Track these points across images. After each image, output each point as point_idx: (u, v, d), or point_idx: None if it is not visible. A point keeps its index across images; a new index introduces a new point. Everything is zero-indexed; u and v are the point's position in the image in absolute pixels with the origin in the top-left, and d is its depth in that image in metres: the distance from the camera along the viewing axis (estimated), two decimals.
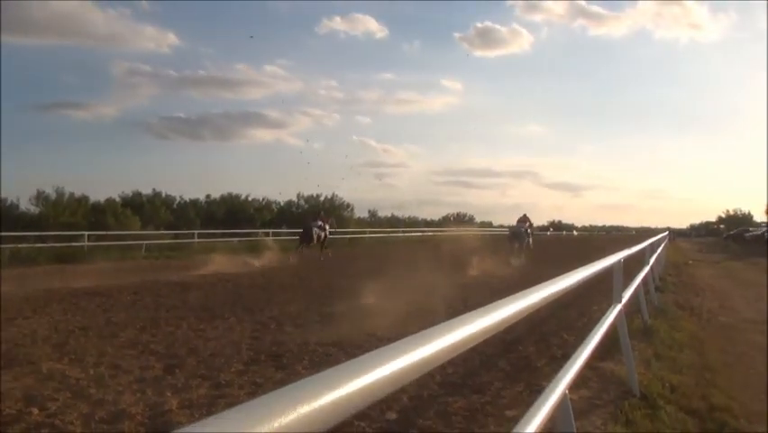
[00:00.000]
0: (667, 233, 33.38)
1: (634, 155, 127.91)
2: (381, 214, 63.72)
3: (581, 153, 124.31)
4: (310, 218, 25.95)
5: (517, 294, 2.18)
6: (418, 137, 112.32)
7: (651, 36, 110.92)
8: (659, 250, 16.25)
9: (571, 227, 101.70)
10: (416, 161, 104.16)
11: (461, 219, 76.90)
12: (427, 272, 15.29)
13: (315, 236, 23.98)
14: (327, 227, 24.93)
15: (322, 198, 54.44)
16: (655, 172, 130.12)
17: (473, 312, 1.64)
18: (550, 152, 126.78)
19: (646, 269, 10.10)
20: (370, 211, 69.13)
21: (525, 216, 24.60)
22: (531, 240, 23.89)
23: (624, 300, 5.29)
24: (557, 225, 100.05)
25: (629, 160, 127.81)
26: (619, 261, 4.95)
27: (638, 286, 7.93)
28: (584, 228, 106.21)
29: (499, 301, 1.91)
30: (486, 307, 1.75)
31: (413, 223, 61.05)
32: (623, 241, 26.29)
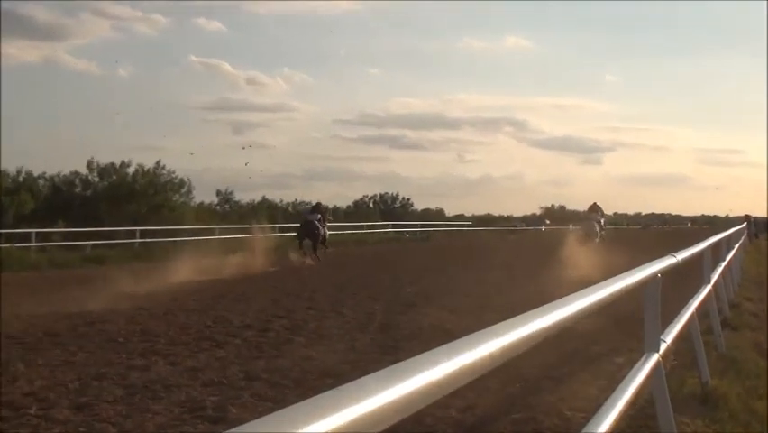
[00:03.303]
0: (744, 225, 34.88)
1: (688, 91, 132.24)
2: (242, 198, 63.30)
3: (598, 87, 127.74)
4: (308, 211, 36.06)
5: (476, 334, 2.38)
6: (310, 58, 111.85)
7: None
8: (729, 256, 16.88)
9: (581, 218, 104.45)
10: (306, 102, 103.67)
11: (386, 204, 77.51)
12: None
13: (319, 231, 33.41)
14: (323, 220, 34.50)
15: (131, 169, 53.48)
16: (726, 120, 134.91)
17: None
18: (543, 85, 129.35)
19: (706, 290, 10.45)
20: (220, 193, 68.59)
21: (595, 204, 33.74)
22: (603, 233, 32.62)
23: (664, 346, 5.46)
24: (556, 215, 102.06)
25: (680, 99, 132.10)
26: (655, 277, 5.07)
27: (690, 319, 8.19)
28: (608, 217, 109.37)
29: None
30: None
31: (294, 216, 60.76)
32: (663, 242, 27.18)
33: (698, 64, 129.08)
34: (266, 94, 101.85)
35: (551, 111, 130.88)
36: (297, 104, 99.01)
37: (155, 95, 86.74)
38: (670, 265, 6.30)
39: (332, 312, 16.58)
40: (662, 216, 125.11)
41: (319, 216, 34.39)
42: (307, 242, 33.23)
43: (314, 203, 37.13)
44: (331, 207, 67.49)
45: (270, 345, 12.62)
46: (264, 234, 36.14)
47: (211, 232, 42.94)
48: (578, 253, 28.98)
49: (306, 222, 34.04)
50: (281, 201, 74.84)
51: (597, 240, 31.40)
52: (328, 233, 35.75)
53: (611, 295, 4.08)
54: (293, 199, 70.78)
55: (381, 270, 28.78)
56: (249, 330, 14.14)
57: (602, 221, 33.22)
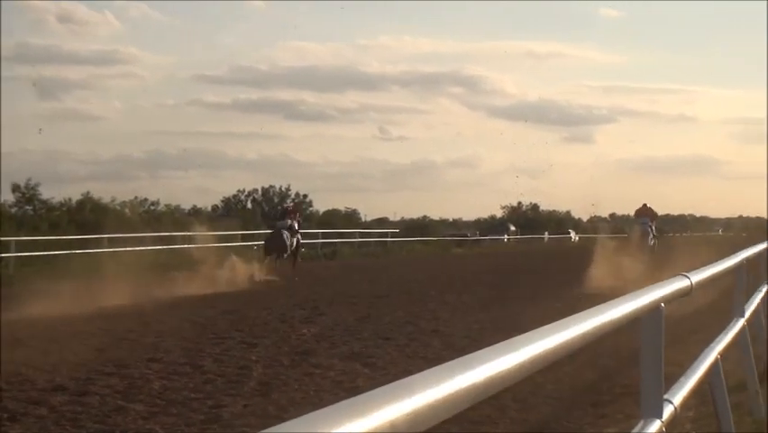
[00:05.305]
0: None
1: (724, 35, 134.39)
2: (53, 195, 62.87)
3: (589, 27, 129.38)
4: (278, 215, 45.89)
5: None
6: None
7: None
8: None
9: (562, 223, 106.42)
10: (150, 50, 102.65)
11: (271, 204, 77.80)
12: None
13: (287, 243, 41.06)
14: (297, 226, 42.67)
15: None
16: None
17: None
18: (508, 23, 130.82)
19: (738, 326, 10.42)
20: (18, 188, 68.16)
21: (646, 206, 40.89)
22: (655, 242, 39.29)
23: (670, 409, 5.56)
24: (525, 219, 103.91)
25: (712, 46, 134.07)
26: (656, 307, 5.16)
27: (712, 369, 8.12)
28: (602, 221, 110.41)
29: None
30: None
31: (136, 223, 60.12)
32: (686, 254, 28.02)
33: None
34: (89, 37, 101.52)
35: (519, 62, 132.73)
36: (136, 52, 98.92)
37: None
38: (680, 290, 6.30)
39: (186, 365, 16.68)
40: (681, 218, 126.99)
41: (290, 222, 42.18)
42: (274, 256, 40.98)
43: (284, 205, 45.26)
44: (189, 207, 67.83)
45: (91, 417, 12.59)
46: (85, 250, 35.80)
47: (4, 246, 42.49)
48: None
49: (275, 232, 41.90)
50: (114, 200, 73.98)
51: (651, 245, 38.16)
52: (302, 241, 44.47)
53: (584, 336, 4.05)
54: (131, 197, 70.47)
55: (261, 302, 29.08)
56: (59, 394, 14.00)
57: (653, 227, 39.89)
